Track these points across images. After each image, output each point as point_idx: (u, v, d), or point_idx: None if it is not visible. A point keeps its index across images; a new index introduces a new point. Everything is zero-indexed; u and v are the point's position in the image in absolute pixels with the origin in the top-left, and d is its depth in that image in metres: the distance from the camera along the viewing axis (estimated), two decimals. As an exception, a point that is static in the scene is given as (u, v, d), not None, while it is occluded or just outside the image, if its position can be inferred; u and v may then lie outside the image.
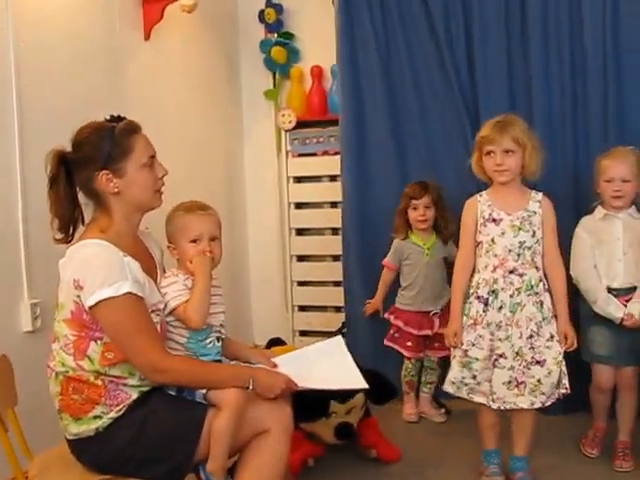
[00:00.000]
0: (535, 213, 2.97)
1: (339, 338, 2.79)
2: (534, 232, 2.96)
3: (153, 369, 2.22)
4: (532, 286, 2.94)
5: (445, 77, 3.98)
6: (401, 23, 4.03)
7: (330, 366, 2.62)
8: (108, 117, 2.33)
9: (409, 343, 3.83)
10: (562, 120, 3.76)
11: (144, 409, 2.25)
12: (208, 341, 2.42)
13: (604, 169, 3.15)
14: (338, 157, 4.28)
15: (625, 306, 3.09)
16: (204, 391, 2.27)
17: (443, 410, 3.87)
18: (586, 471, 3.18)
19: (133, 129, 2.33)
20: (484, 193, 3.04)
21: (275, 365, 2.55)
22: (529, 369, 2.92)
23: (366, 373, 3.21)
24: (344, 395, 3.16)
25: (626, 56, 3.65)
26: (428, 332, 3.80)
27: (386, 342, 3.90)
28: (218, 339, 2.46)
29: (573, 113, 3.75)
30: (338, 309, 4.47)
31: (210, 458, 2.22)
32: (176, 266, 2.47)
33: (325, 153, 4.55)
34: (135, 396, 2.26)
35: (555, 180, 3.58)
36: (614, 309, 3.09)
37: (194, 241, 2.42)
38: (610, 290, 3.12)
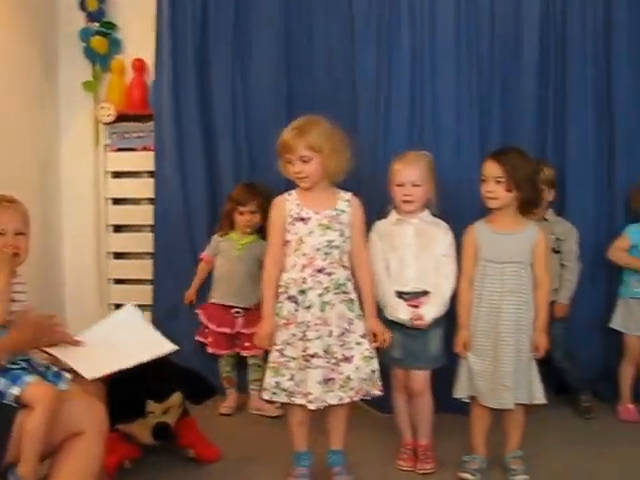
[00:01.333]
0: (344, 212, 3.03)
1: (130, 306, 2.79)
2: (342, 231, 3.01)
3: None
4: (340, 285, 3.00)
5: (262, 76, 4.05)
6: (219, 18, 4.05)
7: (133, 338, 2.62)
8: None
9: (210, 339, 3.92)
10: (374, 124, 3.91)
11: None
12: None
13: (395, 173, 3.20)
14: (160, 153, 4.24)
15: (417, 307, 3.16)
16: (15, 392, 2.17)
17: (279, 404, 3.75)
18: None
19: None
20: (293, 192, 3.06)
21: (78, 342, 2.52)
22: (339, 366, 2.98)
23: (183, 372, 3.21)
24: (161, 394, 3.12)
25: (440, 62, 3.85)
26: (226, 330, 3.86)
27: (197, 337, 4.00)
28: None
29: (385, 117, 3.90)
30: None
31: (22, 461, 2.13)
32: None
33: (145, 148, 4.44)
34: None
35: (369, 182, 3.70)
36: (403, 313, 3.15)
37: (-2, 234, 2.32)
38: (401, 294, 3.19)
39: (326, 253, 2.98)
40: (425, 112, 3.86)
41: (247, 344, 3.81)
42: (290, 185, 3.10)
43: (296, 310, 2.97)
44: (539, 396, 3.13)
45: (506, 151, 3.17)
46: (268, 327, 2.99)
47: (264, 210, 3.61)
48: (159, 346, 2.62)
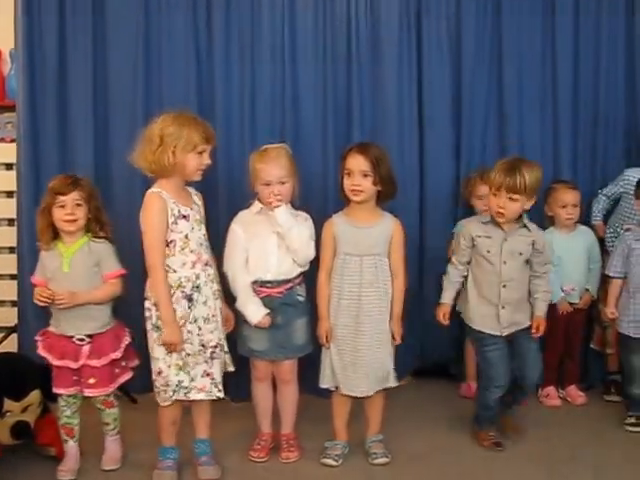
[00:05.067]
0: (199, 206, 3.13)
1: None
2: (205, 224, 3.13)
3: None
4: (215, 275, 3.11)
5: (127, 69, 3.96)
6: (78, 7, 3.94)
7: None
8: None
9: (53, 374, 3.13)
10: (240, 121, 3.93)
11: None
12: None
13: (259, 172, 3.17)
14: (14, 145, 4.10)
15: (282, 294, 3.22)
16: None
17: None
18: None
19: None
20: (160, 189, 3.00)
21: None
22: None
23: (40, 368, 3.14)
24: (19, 392, 3.07)
25: (301, 57, 3.92)
26: (71, 364, 3.07)
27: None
28: None
29: (251, 115, 3.94)
30: (15, 303, 4.28)
31: None
32: None
33: (1, 140, 4.33)
34: None
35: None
36: (251, 313, 3.18)
37: None
38: (264, 282, 3.22)
39: (206, 247, 3.08)
40: (286, 109, 3.92)
41: (92, 380, 3.08)
42: (149, 180, 3.09)
43: (190, 307, 3.00)
44: (392, 379, 3.26)
45: (368, 145, 3.24)
46: (176, 334, 2.97)
47: (90, 204, 3.15)
48: None
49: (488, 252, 3.24)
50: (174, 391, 3.02)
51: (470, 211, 3.99)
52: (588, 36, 4.05)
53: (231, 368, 3.18)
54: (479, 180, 3.89)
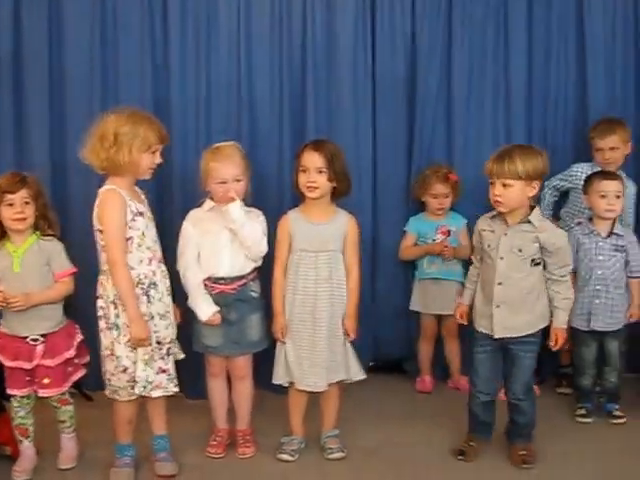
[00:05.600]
0: (146, 203, 3.13)
1: None
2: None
3: None
4: (167, 272, 3.12)
5: (83, 62, 3.91)
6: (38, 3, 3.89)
7: None
8: None
9: (6, 375, 3.14)
10: (196, 116, 3.90)
11: None
12: None
13: (213, 170, 3.17)
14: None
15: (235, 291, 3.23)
16: None
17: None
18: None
19: None
20: (115, 187, 2.98)
21: None
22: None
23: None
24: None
25: (257, 55, 3.91)
26: (25, 365, 3.05)
27: None
28: None
29: (207, 111, 3.91)
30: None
31: None
32: None
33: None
34: None
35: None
36: (200, 311, 3.20)
37: None
38: (218, 279, 3.23)
39: (159, 244, 3.09)
40: (242, 100, 3.91)
41: (47, 380, 3.06)
42: (104, 177, 3.07)
43: (147, 305, 3.00)
44: (357, 373, 3.31)
45: (323, 142, 3.28)
46: (145, 330, 2.96)
47: (38, 202, 3.12)
48: None
49: (488, 247, 3.14)
50: (144, 387, 3.01)
51: (421, 208, 4.04)
52: (540, 23, 4.08)
53: (181, 355, 3.18)
54: (435, 178, 3.91)
